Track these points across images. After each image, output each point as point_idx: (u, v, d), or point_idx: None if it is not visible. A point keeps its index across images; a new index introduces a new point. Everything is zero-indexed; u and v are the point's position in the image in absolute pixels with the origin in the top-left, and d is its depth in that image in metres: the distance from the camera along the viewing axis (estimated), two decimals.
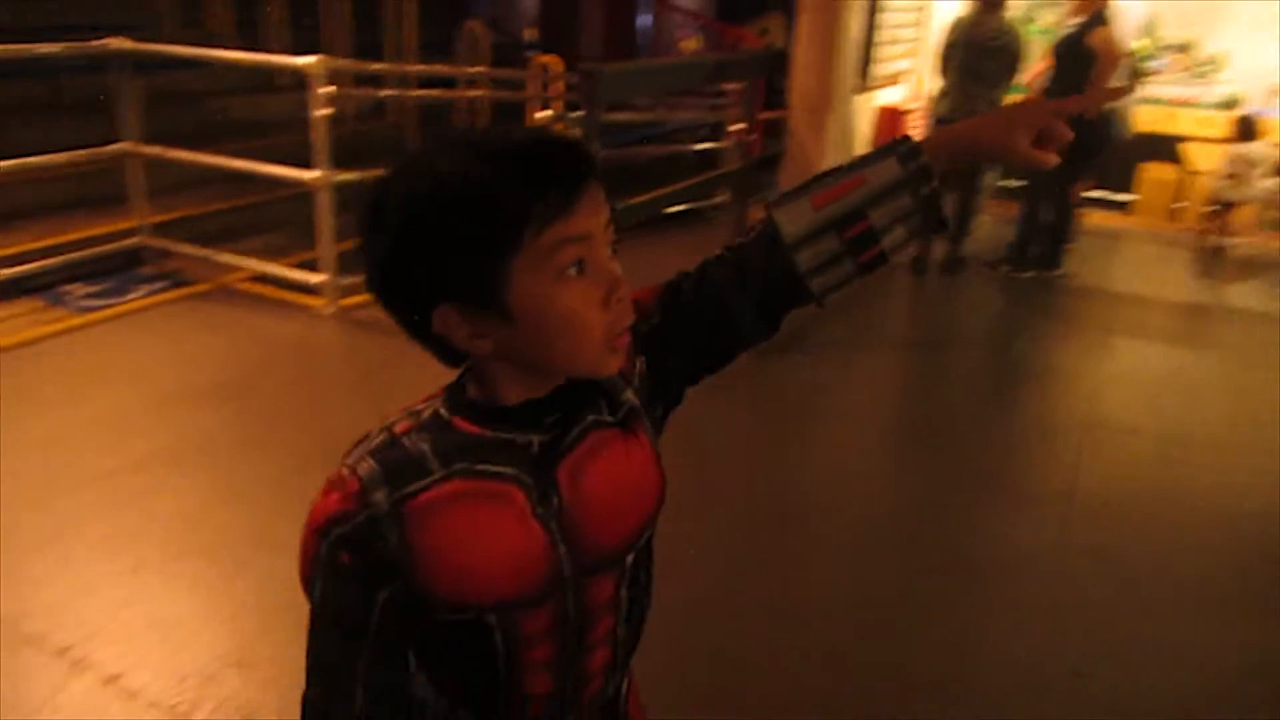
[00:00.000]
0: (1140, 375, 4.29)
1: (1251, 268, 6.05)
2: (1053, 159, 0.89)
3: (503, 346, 0.76)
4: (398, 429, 0.79)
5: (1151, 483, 3.32)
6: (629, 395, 0.86)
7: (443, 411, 0.80)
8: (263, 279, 4.51)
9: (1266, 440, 3.67)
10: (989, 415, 3.87)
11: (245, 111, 6.43)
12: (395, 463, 0.76)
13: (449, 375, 0.84)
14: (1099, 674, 2.28)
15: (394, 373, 3.71)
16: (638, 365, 0.88)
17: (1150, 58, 6.37)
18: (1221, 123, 6.26)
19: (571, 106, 6.07)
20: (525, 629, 0.81)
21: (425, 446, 0.77)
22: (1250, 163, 5.94)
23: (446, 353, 0.79)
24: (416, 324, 0.77)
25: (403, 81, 6.65)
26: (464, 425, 0.79)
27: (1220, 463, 3.47)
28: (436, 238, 0.72)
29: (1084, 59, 4.90)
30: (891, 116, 5.51)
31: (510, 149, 0.73)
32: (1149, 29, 6.42)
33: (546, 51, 7.25)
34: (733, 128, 6.37)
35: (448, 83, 6.95)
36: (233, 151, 4.60)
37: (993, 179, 6.52)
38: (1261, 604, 2.65)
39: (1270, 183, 5.97)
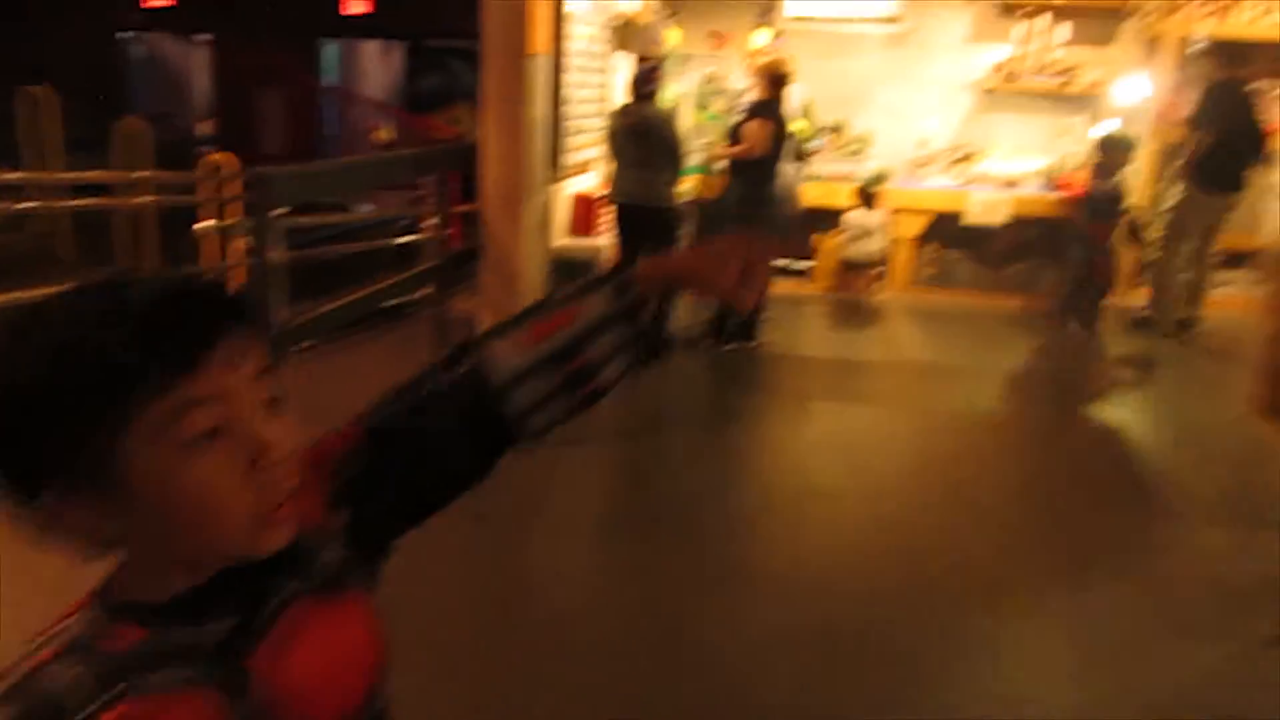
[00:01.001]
0: (838, 437, 4.54)
1: (914, 321, 6.71)
2: (752, 300, 0.89)
3: (132, 534, 0.66)
4: (39, 658, 0.65)
5: (865, 547, 3.47)
6: (331, 554, 0.77)
7: (95, 622, 0.67)
8: None
9: (949, 491, 3.98)
10: (709, 496, 3.91)
11: None
12: (37, 706, 0.62)
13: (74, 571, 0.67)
14: None
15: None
16: (340, 517, 0.80)
17: (811, 139, 6.97)
18: (869, 194, 6.93)
19: (250, 210, 5.66)
20: None
21: (76, 672, 0.63)
22: (864, 229, 6.68)
23: (82, 541, 0.67)
24: (33, 511, 0.65)
25: (46, 189, 5.91)
26: (124, 633, 0.66)
27: (918, 521, 3.70)
28: (36, 409, 0.62)
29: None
30: (585, 204, 5.60)
31: (125, 300, 0.65)
32: (807, 111, 7.03)
33: (222, 149, 6.76)
34: (427, 222, 6.22)
35: (107, 188, 6.27)
36: None
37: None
38: (996, 670, 2.79)
39: (880, 245, 6.74)
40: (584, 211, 5.61)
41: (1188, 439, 4.73)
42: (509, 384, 0.84)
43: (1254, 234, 6.06)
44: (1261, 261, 5.33)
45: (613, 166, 5.39)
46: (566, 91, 5.28)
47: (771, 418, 4.85)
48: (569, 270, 5.23)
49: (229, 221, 4.78)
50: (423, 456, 0.85)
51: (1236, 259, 6.40)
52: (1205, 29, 6.59)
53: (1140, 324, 6.24)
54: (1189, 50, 6.66)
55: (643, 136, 5.23)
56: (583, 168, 5.73)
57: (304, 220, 6.12)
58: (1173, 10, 6.73)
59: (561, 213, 5.44)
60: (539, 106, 4.95)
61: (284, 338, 3.56)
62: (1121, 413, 5.19)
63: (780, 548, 3.45)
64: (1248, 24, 6.51)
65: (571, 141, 5.44)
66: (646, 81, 5.29)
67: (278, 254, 4.42)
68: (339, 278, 5.66)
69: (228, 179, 6.06)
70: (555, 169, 5.22)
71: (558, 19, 5.07)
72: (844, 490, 3.91)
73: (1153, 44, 6.90)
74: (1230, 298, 6.35)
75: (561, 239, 5.39)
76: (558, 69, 5.15)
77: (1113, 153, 6.17)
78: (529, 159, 4.89)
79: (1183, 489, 4.12)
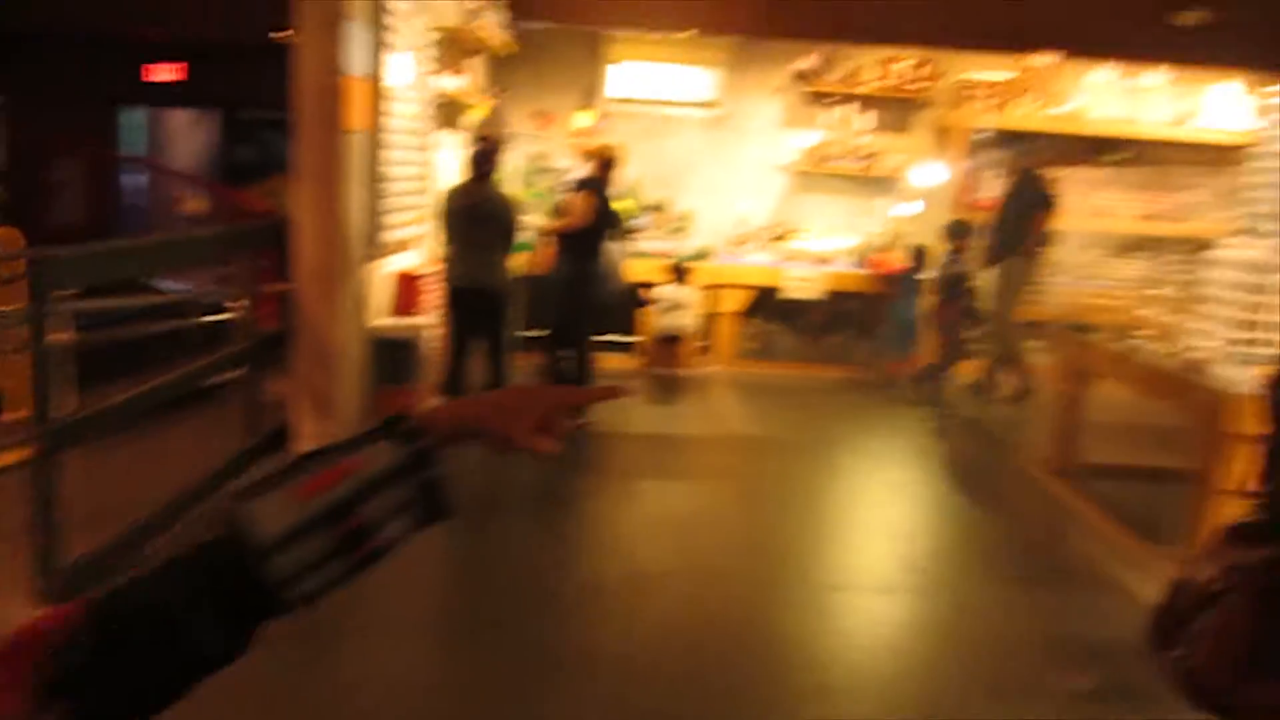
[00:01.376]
0: (665, 516, 4.53)
1: (738, 394, 6.88)
2: (552, 450, 0.85)
3: None
4: None
5: (695, 627, 3.44)
6: None
7: None
8: None
9: (776, 565, 4.03)
10: (537, 584, 3.79)
11: None
12: None
13: None
14: None
15: None
16: (52, 717, 0.67)
17: (635, 216, 7.11)
18: (681, 269, 7.08)
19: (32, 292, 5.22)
20: None
21: None
22: (674, 302, 6.85)
23: None
24: None
25: None
26: None
27: (749, 596, 3.72)
28: None
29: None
30: (408, 283, 5.46)
31: None
32: (632, 190, 7.18)
33: (6, 222, 6.22)
34: (238, 301, 5.92)
35: None
36: None
37: (516, 330, 6.77)
38: None
39: (691, 318, 6.90)
40: (405, 290, 5.47)
41: (996, 500, 5.01)
42: (273, 547, 0.75)
43: (1039, 307, 6.57)
44: (1049, 333, 5.78)
45: (447, 247, 5.32)
46: (386, 168, 5.17)
47: (599, 499, 4.79)
48: (389, 350, 5.06)
49: (9, 306, 4.37)
50: (161, 635, 0.72)
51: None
52: (988, 121, 7.21)
53: (981, 392, 6.61)
54: (974, 139, 7.25)
55: (484, 218, 5.22)
56: (403, 245, 5.60)
57: (101, 301, 5.71)
58: (960, 104, 7.33)
59: (381, 292, 5.28)
60: (356, 183, 4.82)
61: (67, 431, 3.25)
62: (937, 477, 5.44)
63: (611, 634, 3.37)
64: (1021, 118, 7.17)
65: (392, 219, 5.31)
66: (485, 161, 5.29)
67: (65, 339, 4.07)
68: (141, 362, 5.27)
69: (6, 258, 5.57)
70: (374, 247, 5.08)
71: (376, 94, 4.98)
72: (673, 570, 3.89)
73: (944, 133, 7.47)
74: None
75: (381, 319, 5.22)
76: (377, 145, 5.04)
77: (957, 236, 6.60)
78: (345, 236, 4.74)
79: (992, 548, 4.33)
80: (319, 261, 4.74)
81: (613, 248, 5.84)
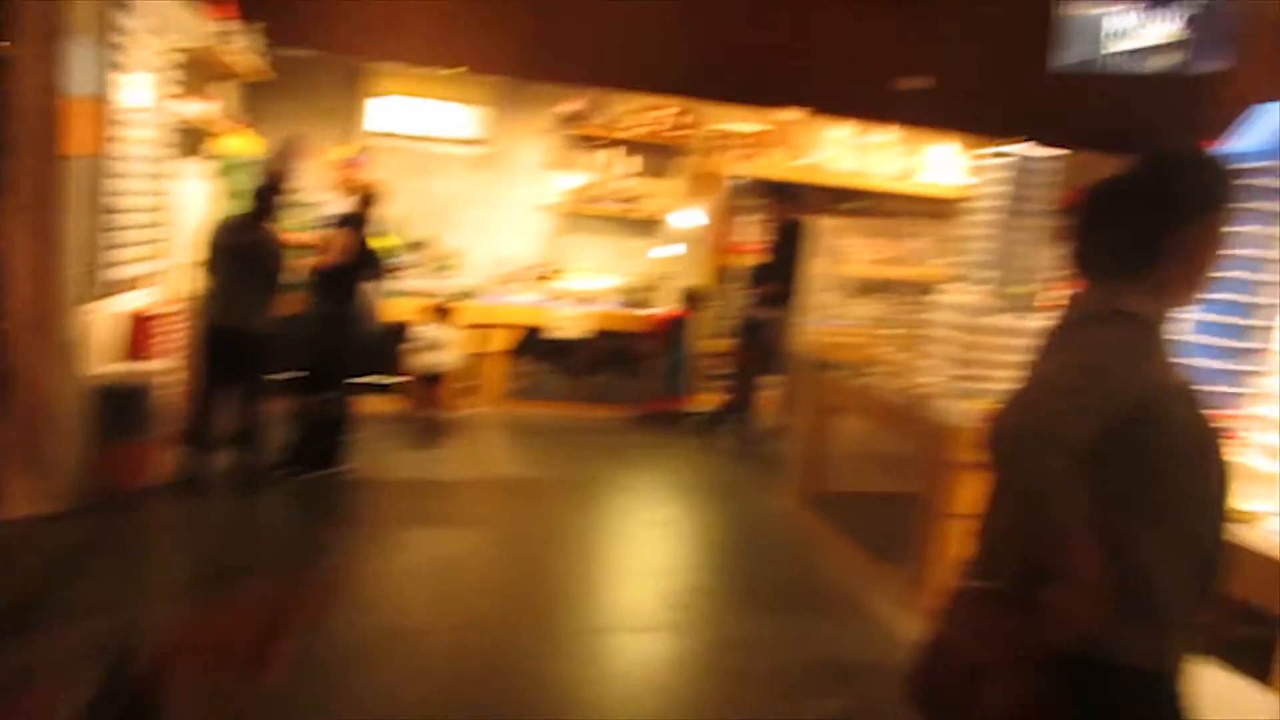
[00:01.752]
0: (425, 567, 4.36)
1: (504, 435, 6.81)
2: (266, 682, 0.70)
3: None
4: None
5: (457, 686, 3.32)
6: None
7: None
8: None
9: (541, 611, 3.98)
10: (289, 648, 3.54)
11: None
12: None
13: None
14: None
15: None
16: None
17: (398, 254, 6.90)
18: (442, 309, 6.94)
19: None
20: None
21: None
22: (432, 342, 6.74)
23: None
24: None
25: None
26: None
27: (514, 644, 3.64)
28: None
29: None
30: (142, 324, 5.00)
31: None
32: (396, 227, 6.97)
33: None
34: None
35: None
36: None
37: (272, 374, 6.36)
38: None
39: (451, 357, 6.81)
40: (138, 332, 5.00)
41: (753, 532, 5.22)
42: None
43: (794, 345, 6.96)
44: (798, 370, 6.13)
45: (209, 283, 4.95)
46: (115, 198, 4.73)
47: (355, 552, 4.53)
48: (116, 400, 4.61)
49: None
50: None
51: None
52: (741, 169, 7.61)
53: (742, 427, 6.87)
54: (729, 185, 7.62)
55: (254, 257, 4.92)
56: (135, 283, 5.13)
57: None
58: (715, 152, 7.70)
59: (108, 334, 4.80)
60: (78, 213, 4.38)
61: None
62: (698, 513, 5.60)
63: (370, 699, 3.18)
64: (770, 167, 7.63)
65: (122, 254, 4.86)
66: (267, 198, 5.01)
67: None
68: None
69: None
70: (99, 284, 4.61)
71: (103, 117, 4.56)
72: (436, 624, 3.74)
73: (701, 179, 7.81)
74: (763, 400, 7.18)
75: (107, 364, 4.74)
76: (104, 173, 4.61)
77: (759, 282, 6.75)
78: (64, 272, 4.29)
79: (749, 580, 4.50)
80: (33, 299, 4.27)
81: (370, 286, 5.64)
